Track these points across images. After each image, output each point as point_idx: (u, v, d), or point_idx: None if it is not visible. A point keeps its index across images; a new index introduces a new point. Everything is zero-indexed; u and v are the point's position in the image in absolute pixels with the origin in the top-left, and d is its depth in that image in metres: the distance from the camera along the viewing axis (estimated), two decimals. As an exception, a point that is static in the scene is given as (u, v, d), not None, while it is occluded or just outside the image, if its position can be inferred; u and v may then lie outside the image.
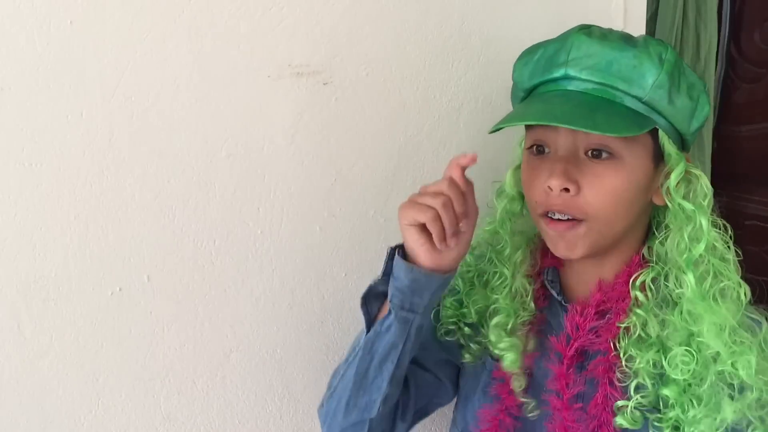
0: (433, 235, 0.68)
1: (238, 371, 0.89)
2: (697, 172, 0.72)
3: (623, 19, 1.09)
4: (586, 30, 0.71)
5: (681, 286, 0.70)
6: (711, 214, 0.71)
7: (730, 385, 0.68)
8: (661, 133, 0.70)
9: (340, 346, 0.96)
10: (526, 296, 0.79)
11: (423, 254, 0.70)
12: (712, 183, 1.53)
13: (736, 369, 0.67)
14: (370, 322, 0.75)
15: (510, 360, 0.77)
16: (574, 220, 0.70)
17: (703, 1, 1.42)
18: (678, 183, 0.71)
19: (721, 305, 0.69)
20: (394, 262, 0.71)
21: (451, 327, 0.83)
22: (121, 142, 0.77)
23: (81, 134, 0.75)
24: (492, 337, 0.78)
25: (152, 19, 0.76)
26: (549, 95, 0.71)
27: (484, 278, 0.83)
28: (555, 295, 0.79)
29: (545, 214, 0.71)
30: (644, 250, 0.75)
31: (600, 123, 0.65)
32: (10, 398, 0.76)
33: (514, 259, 0.80)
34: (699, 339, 0.68)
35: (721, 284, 0.70)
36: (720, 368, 0.67)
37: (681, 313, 0.70)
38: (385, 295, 0.73)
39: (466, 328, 0.82)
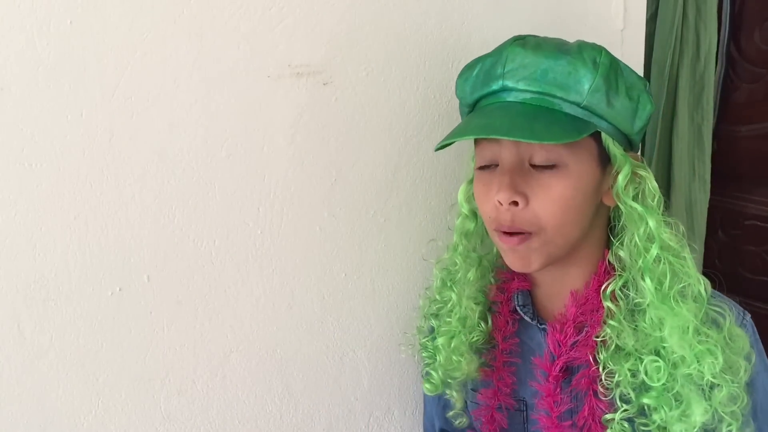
0: None
1: (238, 371, 0.89)
2: (644, 172, 0.72)
3: (623, 19, 1.10)
4: (520, 41, 0.71)
5: (643, 292, 0.70)
6: (662, 213, 0.71)
7: (699, 386, 0.68)
8: (604, 136, 0.70)
9: (340, 346, 0.96)
10: (474, 317, 0.81)
11: None
12: (712, 183, 1.54)
13: (702, 371, 0.67)
14: None
15: (429, 385, 0.82)
16: (525, 234, 0.70)
17: (703, 1, 1.42)
18: (626, 184, 0.71)
19: (683, 306, 0.68)
20: None
21: (429, 366, 0.85)
22: (121, 142, 0.77)
23: (81, 134, 0.75)
24: (438, 356, 0.81)
25: (152, 19, 0.76)
26: (490, 108, 0.71)
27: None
28: (529, 320, 0.79)
29: (498, 229, 0.72)
30: (610, 256, 0.74)
31: (538, 131, 0.65)
32: (10, 398, 0.76)
33: (465, 280, 0.81)
34: (664, 344, 0.69)
35: (681, 284, 0.70)
36: (686, 371, 0.68)
37: (647, 319, 0.70)
38: None
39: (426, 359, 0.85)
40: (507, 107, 0.69)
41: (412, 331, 0.94)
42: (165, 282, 0.83)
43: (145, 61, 0.77)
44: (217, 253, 0.85)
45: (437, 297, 0.85)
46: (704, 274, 1.47)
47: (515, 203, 0.69)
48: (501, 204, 0.69)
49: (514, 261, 0.73)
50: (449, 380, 0.83)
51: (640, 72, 1.15)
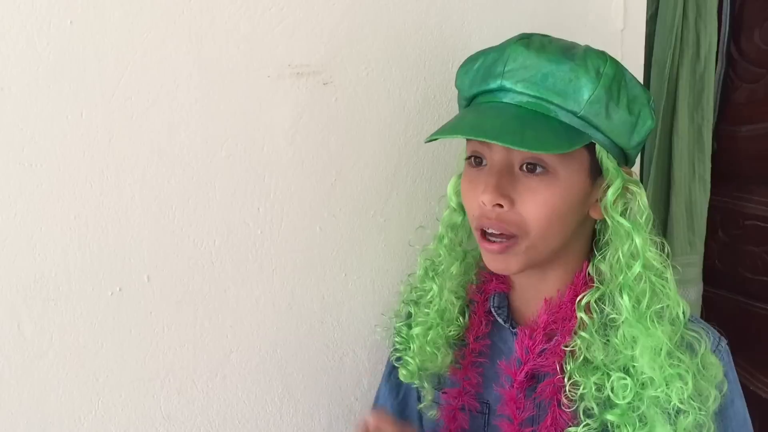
0: None
1: (238, 371, 0.89)
2: (636, 188, 0.70)
3: (623, 19, 1.09)
4: (525, 40, 0.69)
5: (619, 309, 0.69)
6: (649, 232, 0.70)
7: (665, 410, 0.67)
8: (597, 147, 0.68)
9: (339, 345, 0.96)
10: (454, 311, 0.80)
11: None
12: (712, 183, 1.53)
13: (669, 395, 0.66)
14: None
15: (405, 371, 0.80)
16: (508, 239, 0.69)
17: (703, 1, 1.42)
18: (615, 199, 0.69)
19: (658, 327, 0.67)
20: None
21: (401, 352, 0.84)
22: (121, 142, 0.77)
23: (81, 134, 0.75)
24: (411, 345, 0.80)
25: (152, 19, 0.76)
26: (484, 107, 0.70)
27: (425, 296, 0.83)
28: (502, 322, 0.78)
29: (481, 231, 0.71)
30: (590, 268, 0.73)
31: (528, 139, 0.64)
32: (10, 398, 0.76)
33: (447, 274, 0.80)
34: (634, 363, 0.67)
35: (659, 305, 0.68)
36: (653, 393, 0.66)
37: (620, 336, 0.69)
38: None
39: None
40: (501, 109, 0.68)
41: (389, 314, 0.93)
42: (165, 282, 0.83)
43: (145, 61, 0.77)
44: (217, 253, 0.85)
45: (418, 285, 0.84)
46: (704, 273, 1.45)
47: (500, 206, 0.68)
48: (485, 204, 0.68)
49: (492, 263, 0.72)
50: (422, 371, 0.82)
51: (640, 72, 1.15)
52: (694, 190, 1.48)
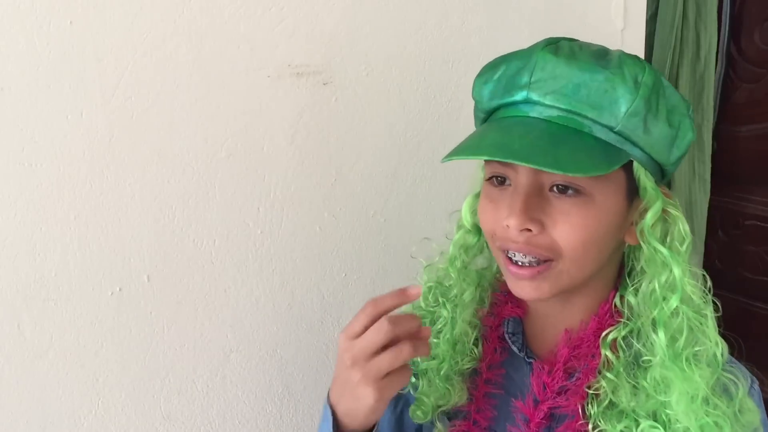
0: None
1: (238, 371, 0.89)
2: (675, 212, 0.63)
3: (623, 19, 1.10)
4: (553, 46, 0.61)
5: (652, 347, 0.62)
6: (688, 262, 0.63)
7: None
8: (636, 165, 0.61)
9: (340, 346, 0.96)
10: (468, 342, 0.72)
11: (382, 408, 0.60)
12: (712, 183, 1.53)
13: None
14: None
15: (419, 412, 0.71)
16: (540, 264, 0.61)
17: (703, 1, 1.42)
18: (654, 223, 0.62)
19: (695, 370, 0.60)
20: None
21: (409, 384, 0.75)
22: (121, 142, 0.77)
23: (81, 134, 0.75)
24: (422, 382, 0.72)
25: (152, 19, 0.76)
26: (508, 122, 0.61)
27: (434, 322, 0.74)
28: (517, 351, 0.71)
29: (505, 252, 0.63)
30: (616, 299, 0.66)
31: (563, 160, 0.56)
32: (10, 398, 0.76)
33: (459, 300, 0.72)
34: (666, 410, 0.61)
35: (696, 348, 0.62)
36: None
37: (651, 378, 0.62)
38: None
39: (412, 378, 0.73)
40: (529, 125, 0.59)
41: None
42: (165, 282, 0.83)
43: (145, 61, 0.77)
44: (217, 253, 0.85)
45: (422, 305, 0.75)
46: (745, 280, 1.39)
47: (528, 230, 0.60)
48: (509, 228, 0.60)
49: (521, 289, 0.64)
50: (436, 410, 0.73)
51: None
52: (694, 190, 1.49)
